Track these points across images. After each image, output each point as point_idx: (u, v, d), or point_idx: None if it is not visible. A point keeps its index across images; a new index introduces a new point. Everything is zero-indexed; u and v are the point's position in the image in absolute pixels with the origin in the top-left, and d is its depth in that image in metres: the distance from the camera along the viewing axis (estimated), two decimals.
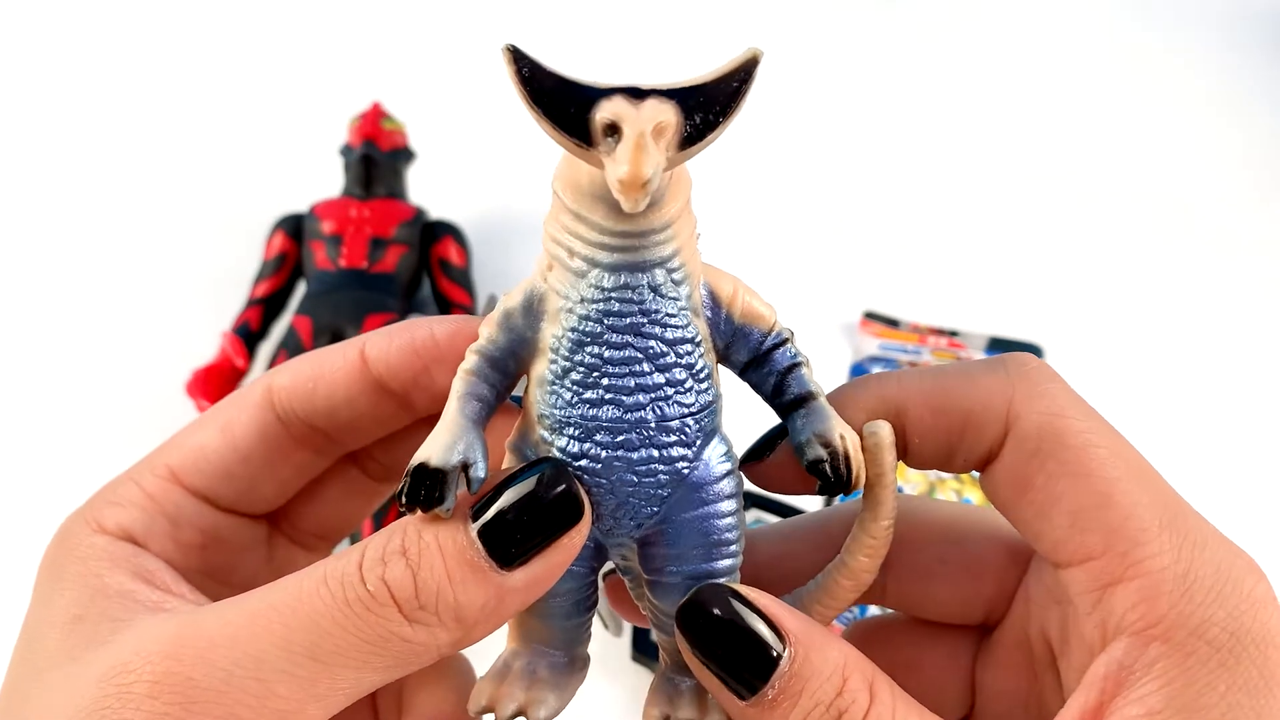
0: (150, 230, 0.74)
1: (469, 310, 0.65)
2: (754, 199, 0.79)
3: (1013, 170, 0.83)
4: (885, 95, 0.90)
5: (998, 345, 0.67)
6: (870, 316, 0.69)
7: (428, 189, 0.71)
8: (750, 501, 0.54)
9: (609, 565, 0.28)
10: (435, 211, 0.69)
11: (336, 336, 0.59)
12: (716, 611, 0.24)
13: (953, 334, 0.68)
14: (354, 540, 0.53)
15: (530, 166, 0.66)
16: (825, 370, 0.65)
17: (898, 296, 0.71)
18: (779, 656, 0.23)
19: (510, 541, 0.23)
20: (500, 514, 0.23)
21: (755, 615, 0.24)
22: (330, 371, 0.28)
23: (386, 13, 0.94)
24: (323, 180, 0.70)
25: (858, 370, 0.65)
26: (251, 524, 0.30)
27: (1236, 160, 0.85)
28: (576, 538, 0.24)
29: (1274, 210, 0.81)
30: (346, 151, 0.67)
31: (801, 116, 0.86)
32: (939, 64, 0.93)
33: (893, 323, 0.68)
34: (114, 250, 0.72)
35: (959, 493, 0.56)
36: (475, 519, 0.23)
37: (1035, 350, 0.67)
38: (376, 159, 0.66)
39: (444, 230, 0.67)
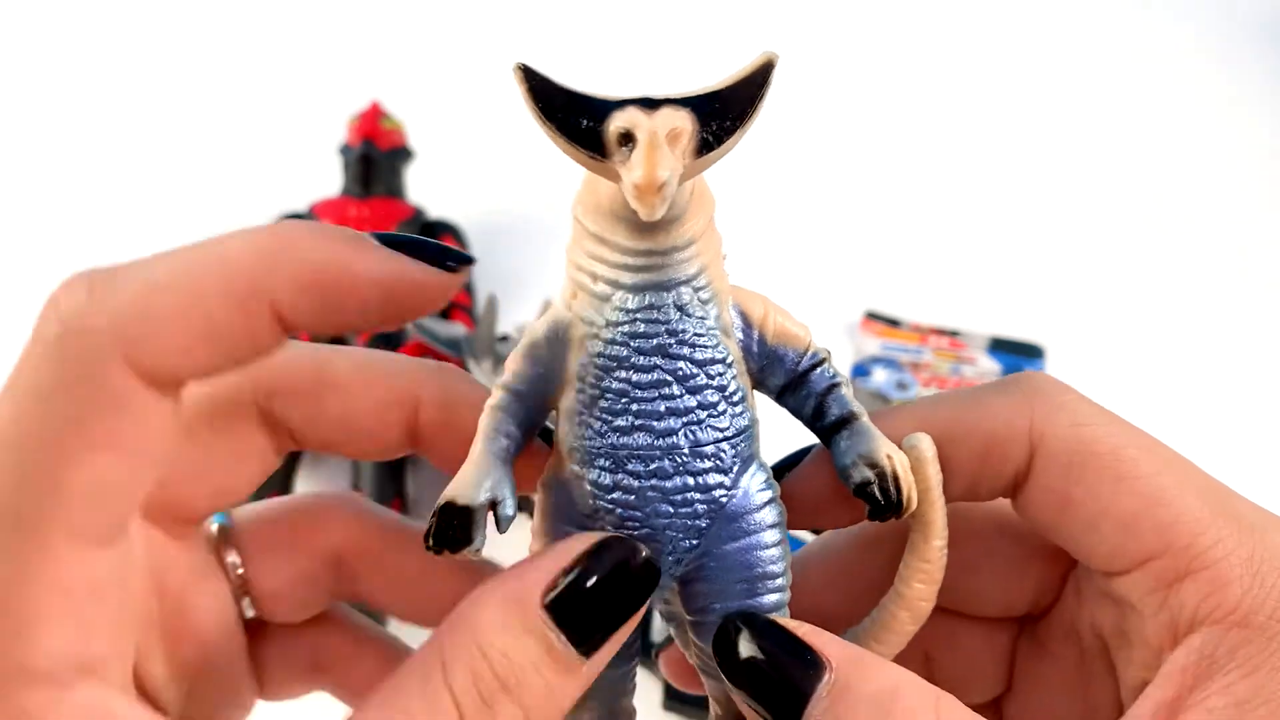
0: (149, 229, 0.73)
1: (467, 310, 0.65)
2: (756, 199, 0.78)
3: (1015, 170, 0.83)
4: (888, 95, 0.90)
5: (999, 345, 0.67)
6: (872, 316, 0.69)
7: (426, 188, 0.71)
8: None
9: (662, 638, 0.26)
10: (434, 211, 0.69)
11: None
12: (752, 638, 0.23)
13: (954, 334, 0.68)
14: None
15: (530, 166, 0.66)
16: None
17: (899, 296, 0.71)
18: (819, 683, 0.22)
19: (592, 628, 0.22)
20: (587, 608, 0.22)
21: (793, 641, 0.23)
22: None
23: (386, 12, 0.94)
24: (321, 179, 0.70)
25: (859, 370, 0.65)
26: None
27: (1240, 161, 0.85)
28: (644, 606, 0.23)
29: (1276, 211, 0.81)
30: (345, 151, 0.67)
31: (804, 117, 0.86)
32: (941, 64, 0.93)
33: (894, 322, 0.68)
34: (112, 250, 0.71)
35: None
36: (561, 622, 0.22)
37: (1037, 350, 0.67)
38: (375, 158, 0.66)
39: (443, 230, 0.67)
